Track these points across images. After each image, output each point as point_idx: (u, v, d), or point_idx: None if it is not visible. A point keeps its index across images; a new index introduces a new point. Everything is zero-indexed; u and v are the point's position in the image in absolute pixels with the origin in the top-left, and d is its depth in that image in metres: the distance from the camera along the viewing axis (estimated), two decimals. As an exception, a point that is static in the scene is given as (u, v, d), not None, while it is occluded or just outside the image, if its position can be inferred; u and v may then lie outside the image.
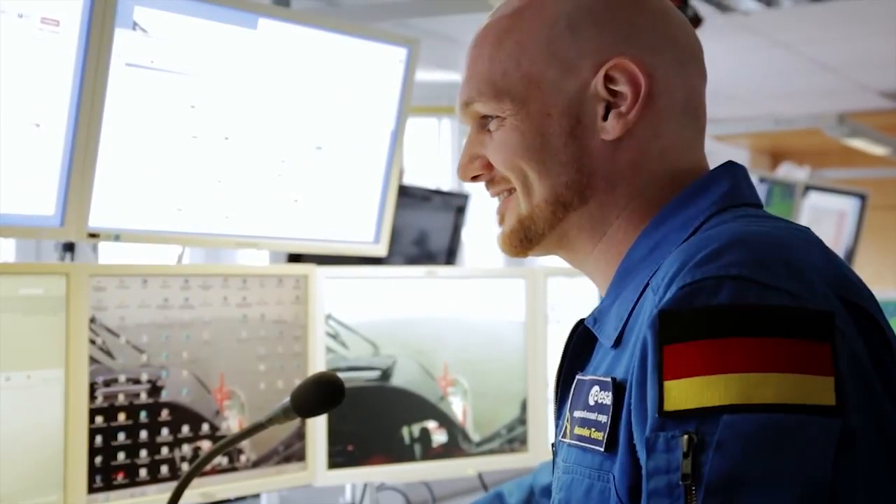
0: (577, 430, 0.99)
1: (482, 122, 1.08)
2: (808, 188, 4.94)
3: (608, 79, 1.02)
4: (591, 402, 0.98)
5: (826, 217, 5.16)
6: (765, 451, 0.81)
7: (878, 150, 5.91)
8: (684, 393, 0.84)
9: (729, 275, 0.86)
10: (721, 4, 4.11)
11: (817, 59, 5.47)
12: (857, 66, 5.68)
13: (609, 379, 0.96)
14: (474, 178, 1.10)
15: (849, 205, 5.35)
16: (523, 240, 1.08)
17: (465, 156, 1.10)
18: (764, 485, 0.80)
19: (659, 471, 0.84)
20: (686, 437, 0.83)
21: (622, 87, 1.02)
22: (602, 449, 0.94)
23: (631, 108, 1.02)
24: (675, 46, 1.05)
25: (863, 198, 5.39)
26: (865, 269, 5.70)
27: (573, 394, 1.03)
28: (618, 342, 0.99)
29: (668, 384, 0.85)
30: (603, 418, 0.95)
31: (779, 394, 0.82)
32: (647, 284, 0.96)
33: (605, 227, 1.05)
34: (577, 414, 1.00)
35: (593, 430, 0.96)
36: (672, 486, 0.83)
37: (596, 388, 0.98)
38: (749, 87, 6.19)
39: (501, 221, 1.10)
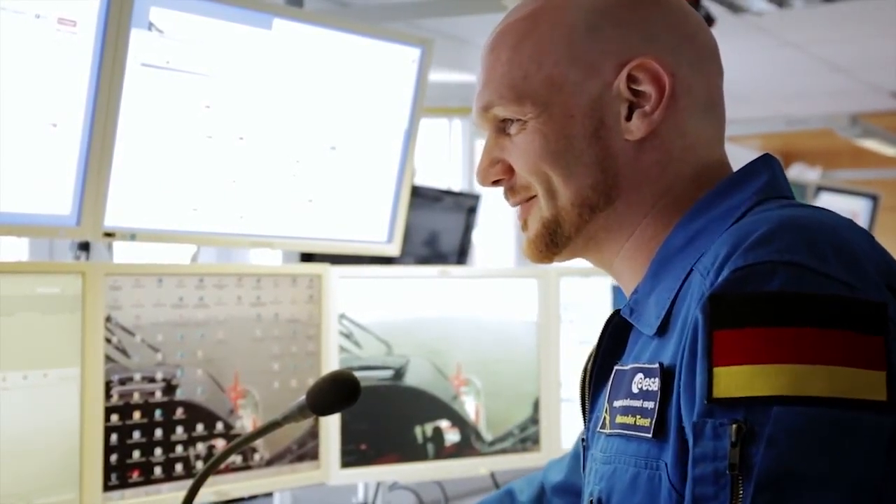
0: (620, 419, 0.98)
1: (501, 126, 1.07)
2: (819, 189, 4.93)
3: (631, 79, 1.01)
4: (635, 390, 0.96)
5: (837, 218, 5.14)
6: (816, 447, 0.80)
7: (889, 150, 5.90)
8: (734, 380, 0.83)
9: (782, 260, 0.85)
10: (733, 5, 4.10)
11: (829, 60, 5.45)
12: (869, 67, 5.66)
13: (656, 365, 0.94)
14: (495, 183, 1.09)
15: (861, 206, 5.34)
16: (549, 244, 1.06)
17: (485, 160, 1.08)
18: (815, 483, 0.79)
19: (706, 458, 0.84)
20: (735, 425, 0.82)
21: (646, 87, 1.01)
22: (650, 435, 0.93)
23: (656, 108, 1.01)
24: (694, 44, 1.05)
25: (875, 199, 5.38)
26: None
27: (612, 384, 1.02)
28: (662, 330, 0.97)
29: (717, 370, 0.84)
30: (649, 405, 0.94)
31: (831, 387, 0.81)
32: (691, 270, 0.95)
33: (632, 227, 1.04)
34: (619, 403, 0.99)
35: (639, 416, 0.95)
36: (718, 475, 0.83)
37: (640, 375, 0.96)
38: (760, 88, 6.18)
39: (525, 227, 1.08)
